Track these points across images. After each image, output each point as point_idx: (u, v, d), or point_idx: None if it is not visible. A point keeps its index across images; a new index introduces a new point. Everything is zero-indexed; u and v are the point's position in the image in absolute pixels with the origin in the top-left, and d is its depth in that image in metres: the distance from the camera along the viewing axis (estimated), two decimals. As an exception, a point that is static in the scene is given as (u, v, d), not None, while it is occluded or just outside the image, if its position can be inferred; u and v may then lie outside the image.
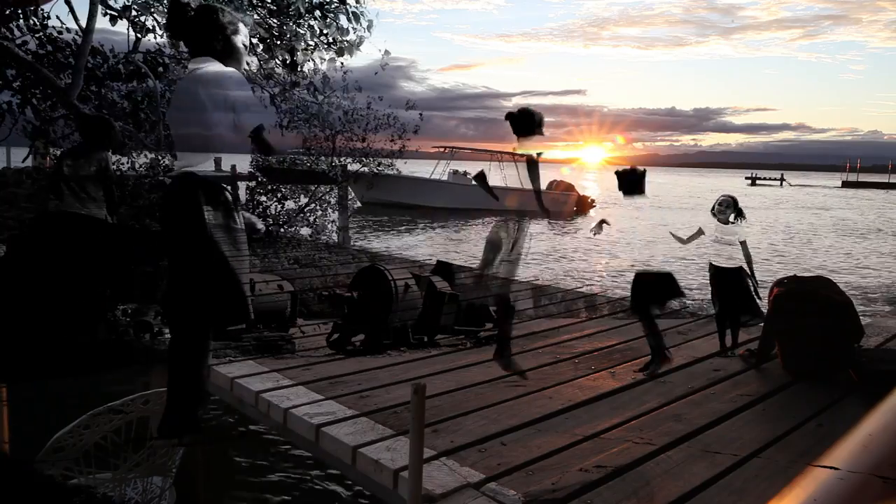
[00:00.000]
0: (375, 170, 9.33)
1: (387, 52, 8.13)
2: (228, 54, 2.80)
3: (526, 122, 3.90)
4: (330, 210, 9.53)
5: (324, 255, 8.57)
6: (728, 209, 4.85)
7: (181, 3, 2.77)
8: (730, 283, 4.78)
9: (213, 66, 2.72)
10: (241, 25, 2.86)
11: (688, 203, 39.34)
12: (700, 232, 4.94)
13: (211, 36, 2.76)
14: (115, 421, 2.98)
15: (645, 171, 3.93)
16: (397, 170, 9.95)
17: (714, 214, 4.88)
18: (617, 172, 3.92)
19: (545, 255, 15.48)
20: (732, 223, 4.85)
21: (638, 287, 4.31)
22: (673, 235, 5.18)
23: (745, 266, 4.80)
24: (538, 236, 17.39)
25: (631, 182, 3.91)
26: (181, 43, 5.09)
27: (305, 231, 8.92)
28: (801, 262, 16.47)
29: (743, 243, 4.82)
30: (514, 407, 3.53)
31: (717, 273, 4.85)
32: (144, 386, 3.69)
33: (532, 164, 3.96)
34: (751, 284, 4.79)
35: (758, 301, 4.81)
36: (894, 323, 6.07)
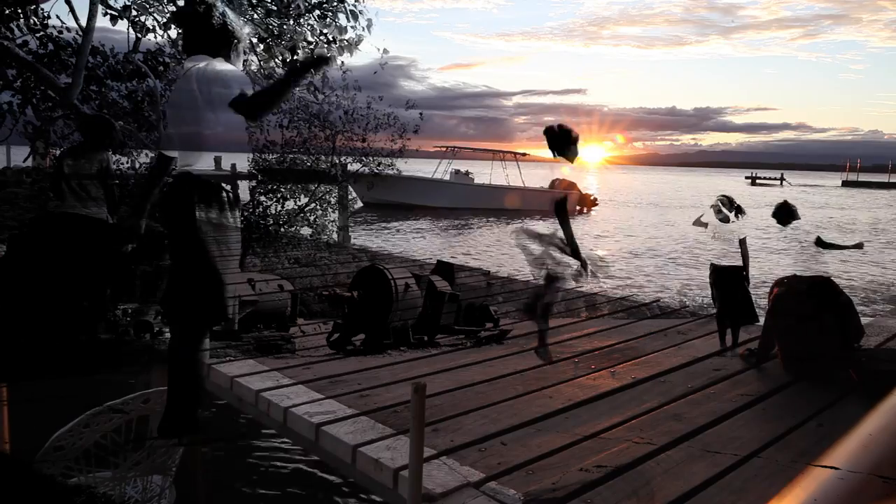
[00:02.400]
0: (376, 169, 9.31)
1: (385, 51, 8.12)
2: (225, 54, 2.80)
3: (564, 140, 3.63)
4: (330, 210, 9.52)
5: (324, 255, 8.57)
6: (726, 207, 4.86)
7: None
8: (729, 282, 4.78)
9: (210, 64, 2.71)
10: (239, 27, 2.86)
11: (688, 201, 39.46)
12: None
13: (211, 34, 2.75)
14: (115, 420, 2.98)
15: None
16: (398, 170, 9.95)
17: (713, 214, 4.89)
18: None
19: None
20: (733, 222, 4.86)
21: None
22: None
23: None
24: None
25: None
26: (179, 41, 5.09)
27: (305, 231, 8.91)
28: (800, 261, 16.44)
29: (742, 241, 4.83)
30: (514, 406, 3.52)
31: (717, 272, 4.85)
32: (144, 385, 3.69)
33: (561, 207, 3.80)
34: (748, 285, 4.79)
35: (754, 305, 4.82)
36: (894, 323, 6.07)
